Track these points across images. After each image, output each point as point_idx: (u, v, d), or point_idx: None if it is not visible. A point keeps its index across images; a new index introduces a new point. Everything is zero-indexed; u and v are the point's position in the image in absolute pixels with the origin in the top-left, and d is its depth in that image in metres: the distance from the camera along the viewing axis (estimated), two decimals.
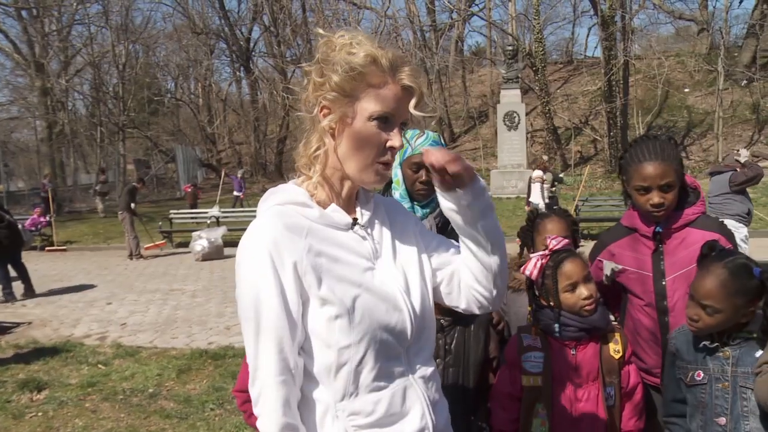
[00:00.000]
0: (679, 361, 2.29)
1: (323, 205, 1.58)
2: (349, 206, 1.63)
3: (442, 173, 1.46)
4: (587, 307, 2.37)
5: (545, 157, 16.61)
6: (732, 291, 2.09)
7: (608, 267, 2.71)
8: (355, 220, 1.62)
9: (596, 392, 2.38)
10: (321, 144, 1.55)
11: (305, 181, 1.60)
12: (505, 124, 21.94)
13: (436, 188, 1.54)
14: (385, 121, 1.49)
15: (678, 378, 2.29)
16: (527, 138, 23.45)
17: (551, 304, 2.44)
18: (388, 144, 1.50)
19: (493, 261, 1.63)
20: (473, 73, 36.98)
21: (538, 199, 13.53)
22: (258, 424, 1.50)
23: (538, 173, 13.87)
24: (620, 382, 2.44)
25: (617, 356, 2.43)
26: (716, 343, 2.18)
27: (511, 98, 22.15)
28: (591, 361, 2.39)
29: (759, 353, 2.08)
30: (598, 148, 27.48)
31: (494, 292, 1.69)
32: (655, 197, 2.51)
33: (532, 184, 13.85)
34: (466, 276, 1.69)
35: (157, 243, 16.20)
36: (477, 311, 1.74)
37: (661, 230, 2.60)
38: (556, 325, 2.40)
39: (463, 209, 1.53)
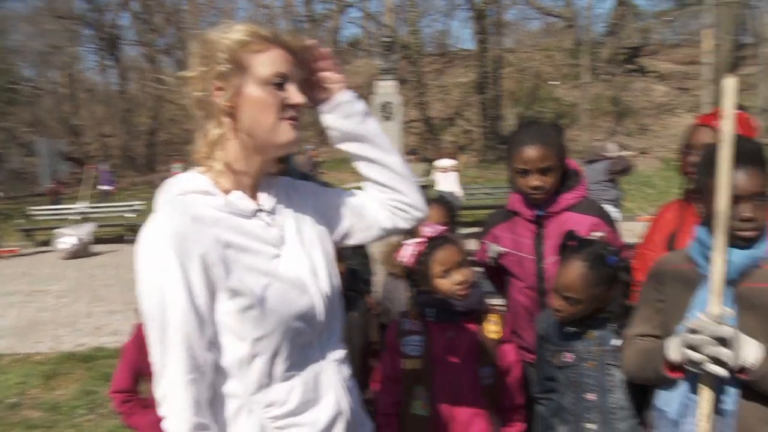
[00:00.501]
0: (548, 345, 2.42)
1: (227, 193, 1.53)
2: (253, 192, 1.58)
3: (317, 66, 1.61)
4: (460, 292, 2.43)
5: (451, 146, 16.57)
6: (592, 282, 2.24)
7: (492, 249, 2.80)
8: (259, 206, 1.57)
9: (475, 372, 2.45)
10: (220, 127, 1.50)
11: (207, 171, 1.54)
12: (380, 115, 22.07)
13: (319, 107, 1.65)
14: (279, 82, 1.50)
15: (547, 360, 2.42)
16: (402, 129, 23.73)
17: (429, 289, 2.49)
18: (287, 102, 1.51)
19: (394, 161, 1.71)
20: (349, 65, 37.03)
21: (452, 188, 13.40)
22: (165, 425, 1.42)
23: (448, 162, 13.78)
24: (499, 361, 2.51)
25: (495, 336, 2.51)
26: (581, 327, 2.32)
27: (386, 89, 22.29)
28: (469, 342, 2.47)
29: (615, 342, 2.25)
30: (471, 139, 28.20)
31: (411, 194, 1.73)
32: (533, 180, 2.59)
33: (441, 174, 13.73)
34: (378, 193, 1.74)
35: (10, 248, 15.09)
36: (405, 224, 1.77)
37: (542, 213, 2.66)
38: (433, 310, 2.47)
39: (345, 114, 1.65)
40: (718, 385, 1.82)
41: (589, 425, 2.27)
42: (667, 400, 1.96)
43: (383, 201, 1.74)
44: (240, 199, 1.54)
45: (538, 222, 2.68)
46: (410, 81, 29.06)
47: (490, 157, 25.02)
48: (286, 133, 1.52)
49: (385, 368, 2.58)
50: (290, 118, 1.52)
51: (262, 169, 1.60)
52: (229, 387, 1.51)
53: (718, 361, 1.73)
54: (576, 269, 2.25)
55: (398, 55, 25.40)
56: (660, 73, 28.32)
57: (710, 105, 19.99)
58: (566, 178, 2.69)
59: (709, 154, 1.92)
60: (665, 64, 28.96)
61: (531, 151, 2.58)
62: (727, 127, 1.82)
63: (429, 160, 16.57)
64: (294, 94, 1.52)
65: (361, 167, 1.72)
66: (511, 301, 2.83)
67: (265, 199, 1.61)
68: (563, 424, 2.36)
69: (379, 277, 3.27)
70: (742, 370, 1.77)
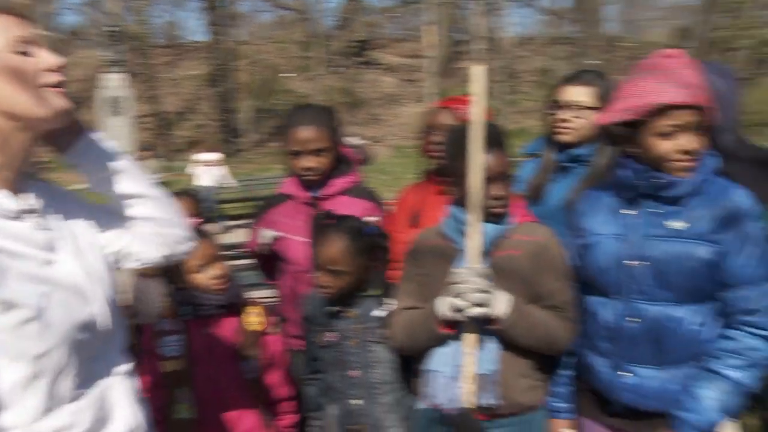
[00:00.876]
0: (312, 326, 2.46)
1: None
2: (14, 191, 1.37)
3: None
4: (218, 286, 2.39)
5: (209, 142, 16.14)
6: (353, 252, 2.29)
7: (266, 235, 2.76)
8: (24, 206, 1.38)
9: (238, 367, 2.41)
10: None
11: None
12: (108, 110, 20.75)
13: (65, 153, 1.48)
14: (21, 48, 1.34)
15: (312, 340, 2.47)
16: (133, 124, 22.62)
17: (184, 286, 2.42)
18: (41, 67, 1.35)
19: (151, 190, 1.63)
20: (72, 55, 34.31)
21: (221, 181, 13.17)
22: None
23: (208, 156, 13.39)
24: (263, 354, 2.48)
25: (258, 328, 2.48)
26: (341, 306, 2.37)
27: (114, 83, 21.00)
28: (230, 337, 2.42)
29: (379, 313, 2.34)
30: (206, 133, 27.60)
31: (178, 223, 1.66)
32: (306, 161, 2.62)
33: (204, 168, 13.27)
34: (145, 227, 1.61)
35: None
36: (176, 254, 1.69)
37: (316, 196, 2.69)
38: (190, 306, 2.40)
39: (96, 156, 1.52)
40: (481, 337, 2.07)
41: (354, 401, 2.34)
42: (441, 361, 2.12)
43: (148, 231, 1.63)
44: (4, 198, 1.36)
45: (314, 205, 2.69)
46: (140, 74, 27.67)
47: (226, 151, 24.72)
48: (53, 100, 1.36)
49: (145, 374, 2.41)
50: (50, 86, 1.36)
51: (25, 159, 1.40)
52: (4, 419, 1.30)
53: (480, 306, 1.99)
54: (337, 241, 2.29)
55: (126, 46, 24.07)
56: (387, 66, 29.90)
57: (434, 95, 21.56)
58: (340, 163, 2.75)
59: (457, 138, 2.07)
60: (392, 57, 30.61)
61: (304, 132, 2.61)
62: (477, 112, 1.96)
63: (163, 156, 16.02)
64: (46, 56, 1.36)
65: (123, 206, 1.60)
66: (285, 288, 2.81)
67: (30, 200, 1.41)
68: (331, 402, 2.40)
69: (125, 277, 3.08)
70: (495, 320, 2.03)
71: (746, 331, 1.92)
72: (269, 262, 2.89)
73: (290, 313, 2.72)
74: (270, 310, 2.59)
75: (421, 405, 2.23)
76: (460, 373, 2.06)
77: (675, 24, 28.57)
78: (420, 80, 26.31)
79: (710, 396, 1.91)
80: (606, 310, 2.06)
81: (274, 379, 2.53)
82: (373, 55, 30.47)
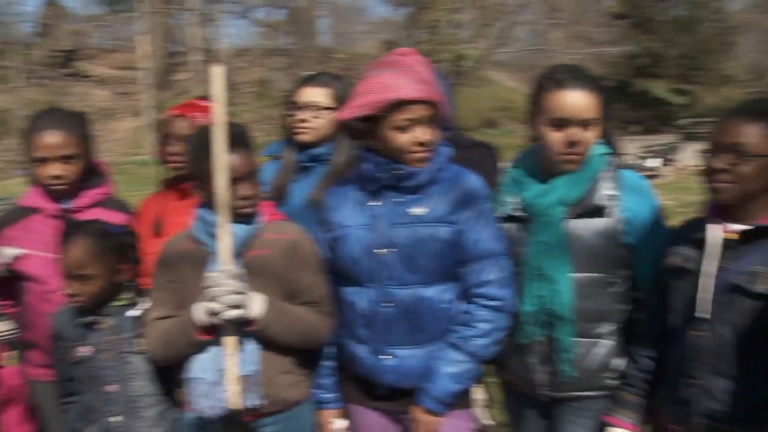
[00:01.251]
0: (62, 342, 2.30)
1: None
2: None
3: None
4: None
5: None
6: (99, 251, 2.19)
7: (5, 254, 2.51)
8: None
9: None
10: None
11: None
12: None
13: None
14: None
15: (63, 358, 2.30)
16: None
17: None
18: None
19: None
20: None
21: None
22: None
23: None
24: None
25: None
26: (93, 317, 2.25)
27: None
28: None
29: (133, 313, 2.27)
30: None
31: None
32: (54, 168, 2.45)
33: None
34: None
35: None
36: None
37: (68, 208, 2.52)
38: None
39: None
40: (241, 338, 2.05)
41: (113, 419, 2.22)
42: (201, 367, 2.09)
43: None
44: None
45: (63, 218, 2.49)
46: None
47: None
48: None
49: None
50: None
51: None
52: None
53: (236, 308, 1.98)
54: (81, 244, 2.17)
55: None
56: (98, 78, 28.29)
57: (151, 108, 20.85)
58: (91, 174, 2.62)
59: (200, 140, 2.05)
60: (103, 69, 29.02)
61: (51, 137, 2.44)
62: (219, 113, 1.96)
63: None
64: None
65: None
66: (31, 311, 2.55)
67: None
68: (90, 424, 2.26)
69: None
70: (251, 321, 2.03)
71: (478, 303, 2.12)
72: (7, 285, 2.62)
73: (36, 338, 2.50)
74: (5, 342, 2.37)
75: (186, 415, 2.18)
76: (223, 377, 2.03)
77: (382, 37, 30.52)
78: (135, 93, 25.27)
79: (446, 367, 2.09)
80: (361, 298, 2.15)
81: (13, 416, 2.35)
82: (82, 67, 28.60)
